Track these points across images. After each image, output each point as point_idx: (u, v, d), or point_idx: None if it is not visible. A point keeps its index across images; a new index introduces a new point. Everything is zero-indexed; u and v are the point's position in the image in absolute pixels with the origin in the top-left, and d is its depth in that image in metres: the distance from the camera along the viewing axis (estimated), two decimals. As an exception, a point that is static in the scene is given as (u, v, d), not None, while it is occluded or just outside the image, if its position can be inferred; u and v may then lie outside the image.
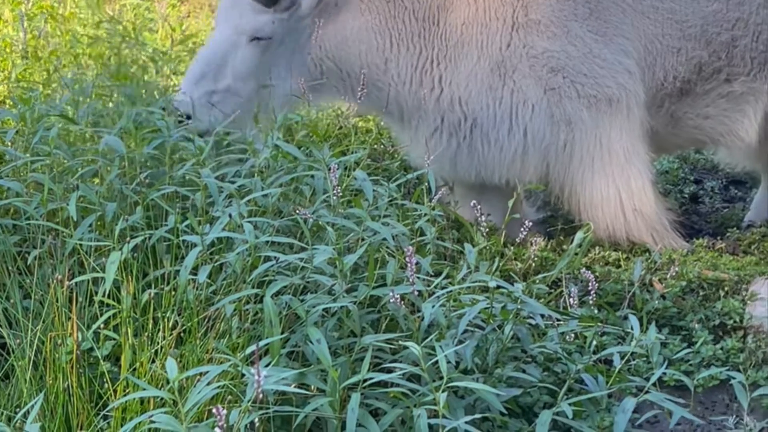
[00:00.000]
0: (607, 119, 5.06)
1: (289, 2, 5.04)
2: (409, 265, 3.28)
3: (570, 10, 5.05)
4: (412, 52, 5.10)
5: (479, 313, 3.59)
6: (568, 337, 3.84)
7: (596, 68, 5.05)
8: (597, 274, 4.69)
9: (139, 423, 2.95)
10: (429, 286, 3.69)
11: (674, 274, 4.39)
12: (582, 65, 5.05)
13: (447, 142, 5.15)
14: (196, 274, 3.59)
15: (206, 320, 3.54)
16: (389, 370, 3.24)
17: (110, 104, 5.20)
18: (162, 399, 2.97)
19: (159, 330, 3.48)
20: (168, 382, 2.92)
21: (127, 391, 3.28)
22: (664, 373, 3.79)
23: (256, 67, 5.03)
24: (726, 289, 4.65)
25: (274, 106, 4.95)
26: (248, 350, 3.26)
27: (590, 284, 3.78)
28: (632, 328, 3.65)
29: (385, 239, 3.86)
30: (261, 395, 2.62)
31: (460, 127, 5.12)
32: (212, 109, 4.95)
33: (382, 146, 6.31)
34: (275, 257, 3.62)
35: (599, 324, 3.92)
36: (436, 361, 3.16)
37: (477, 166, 5.17)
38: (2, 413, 3.32)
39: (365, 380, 3.14)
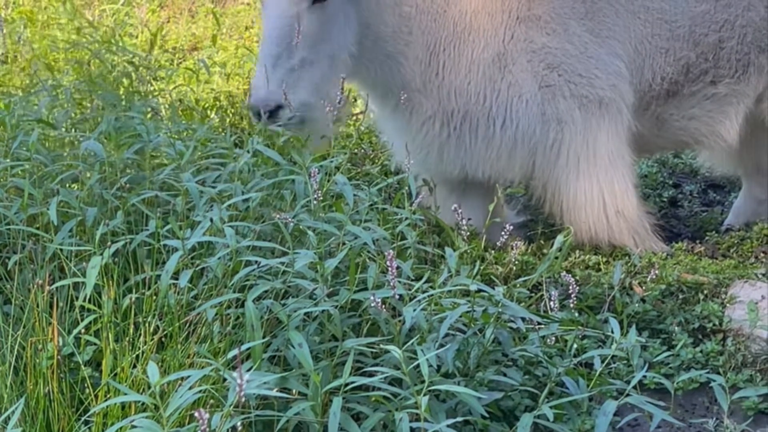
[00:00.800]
0: (597, 121, 5.08)
1: None
2: (390, 269, 3.28)
3: (569, 8, 5.07)
4: (429, 31, 5.04)
5: (460, 316, 3.60)
6: (548, 340, 3.86)
7: (591, 68, 5.07)
8: (577, 277, 4.70)
9: (121, 428, 2.95)
10: (410, 290, 3.70)
11: (654, 277, 4.41)
12: (578, 64, 5.06)
13: (438, 131, 5.13)
14: (177, 279, 3.58)
15: (187, 325, 3.54)
16: (371, 374, 3.24)
17: (88, 109, 5.19)
18: (143, 404, 2.97)
19: (140, 335, 3.47)
20: (149, 387, 2.92)
21: (108, 396, 3.27)
22: (645, 376, 3.80)
23: (322, 31, 4.83)
24: (705, 292, 4.67)
25: (337, 69, 4.78)
26: (230, 355, 3.26)
27: (570, 288, 3.80)
28: (612, 332, 3.66)
29: (365, 243, 3.87)
30: (243, 399, 2.62)
31: (453, 117, 5.11)
32: (296, 87, 4.75)
33: (362, 151, 6.32)
34: (256, 262, 3.62)
35: (580, 327, 3.93)
36: (418, 365, 3.17)
37: (463, 159, 5.16)
38: (-18, 419, 3.31)
39: (347, 384, 3.15)
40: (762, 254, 5.44)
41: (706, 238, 5.63)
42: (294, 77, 4.73)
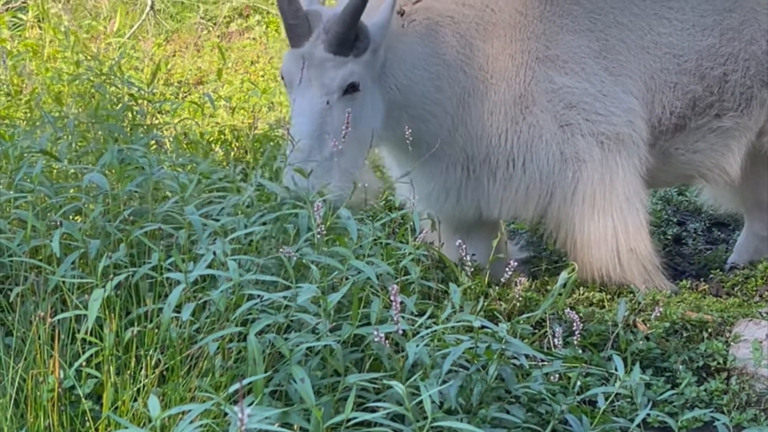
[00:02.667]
0: (615, 158, 5.09)
1: (366, 42, 4.80)
2: (393, 304, 3.27)
3: (585, 47, 5.09)
4: (458, 82, 5.03)
5: (464, 352, 3.59)
6: (552, 377, 3.84)
7: (608, 106, 5.08)
8: (581, 314, 4.68)
9: (121, 462, 2.93)
10: (413, 325, 3.68)
11: (658, 315, 4.40)
12: (596, 102, 5.07)
13: (459, 175, 5.13)
14: (179, 312, 3.57)
15: (189, 358, 3.52)
16: (373, 410, 3.22)
17: (92, 141, 5.19)
18: (144, 438, 2.94)
19: (141, 368, 3.45)
20: (150, 421, 2.90)
21: (109, 429, 3.25)
22: (648, 415, 3.78)
23: (351, 121, 4.72)
24: (709, 330, 4.66)
25: (364, 150, 4.78)
26: (231, 389, 3.25)
27: (575, 324, 3.78)
28: (616, 369, 3.64)
29: (369, 278, 3.85)
30: (244, 434, 2.60)
31: (473, 160, 5.10)
32: (328, 178, 4.69)
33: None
34: (259, 295, 3.61)
35: (583, 364, 3.91)
36: (421, 401, 3.15)
37: (479, 201, 5.16)
38: (-19, 452, 3.29)
39: (349, 420, 3.13)
40: (766, 293, 5.42)
41: (711, 276, 5.61)
42: (326, 168, 4.68)
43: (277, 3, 4.91)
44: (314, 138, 4.71)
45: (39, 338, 3.49)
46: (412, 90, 4.96)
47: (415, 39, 4.97)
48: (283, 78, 4.92)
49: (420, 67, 4.97)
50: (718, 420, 3.56)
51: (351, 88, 4.78)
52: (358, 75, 4.78)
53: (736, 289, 5.45)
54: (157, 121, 6.04)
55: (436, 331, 3.65)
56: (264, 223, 4.17)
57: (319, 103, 4.76)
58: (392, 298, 3.28)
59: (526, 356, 3.80)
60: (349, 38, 4.73)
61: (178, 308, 3.58)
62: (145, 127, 5.60)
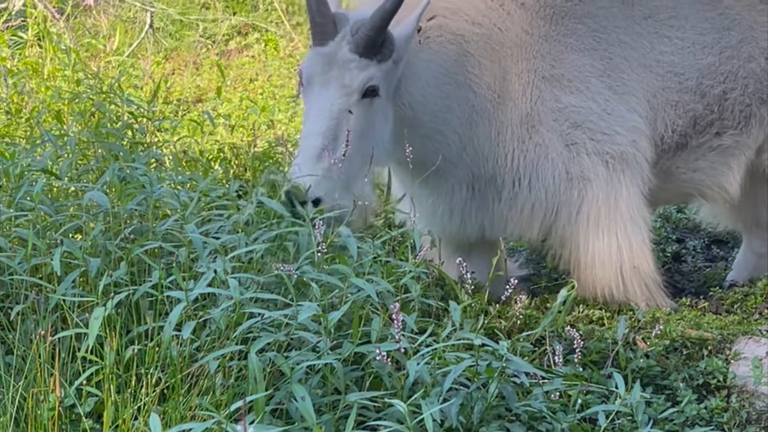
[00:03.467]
0: (619, 177, 5.10)
1: (391, 48, 4.78)
2: (395, 322, 3.28)
3: (589, 65, 5.10)
4: (467, 102, 5.03)
5: (464, 370, 3.59)
6: (552, 395, 3.84)
7: (613, 125, 5.10)
8: (581, 332, 4.68)
9: (122, 481, 2.93)
10: (414, 343, 3.68)
11: (658, 332, 4.40)
12: (601, 121, 5.08)
13: (465, 194, 5.13)
14: (179, 330, 3.57)
15: (190, 377, 3.52)
16: (374, 428, 3.23)
17: (92, 159, 5.20)
18: (145, 456, 2.94)
19: (142, 386, 3.45)
20: (151, 439, 2.90)
21: (109, 448, 3.25)
22: (649, 432, 3.78)
23: (367, 127, 4.76)
24: (709, 348, 4.66)
25: (368, 167, 4.72)
26: (232, 407, 3.25)
27: (575, 342, 3.78)
28: (617, 387, 3.64)
29: (369, 296, 3.86)
30: (246, 453, 2.60)
31: (479, 179, 5.11)
32: (333, 183, 4.63)
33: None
34: (260, 314, 3.61)
35: (584, 382, 3.91)
36: (422, 420, 3.15)
37: (483, 220, 5.16)
38: (-18, 471, 3.29)
39: (350, 438, 3.13)
40: (766, 310, 5.42)
41: (710, 293, 5.62)
42: (336, 170, 4.63)
43: (307, 3, 4.92)
44: (328, 138, 4.67)
45: (39, 357, 3.49)
46: (423, 108, 4.97)
47: (431, 56, 4.98)
48: (300, 78, 4.90)
49: (433, 85, 4.98)
50: (718, 438, 3.56)
51: (371, 92, 4.76)
52: (378, 80, 4.76)
53: (735, 306, 5.45)
54: (156, 139, 6.04)
55: (436, 349, 3.65)
56: (264, 241, 4.17)
57: (338, 103, 4.74)
58: (393, 316, 3.29)
59: (527, 374, 3.80)
60: (377, 42, 4.73)
61: (178, 326, 3.58)
62: (145, 145, 5.60)
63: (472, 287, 4.11)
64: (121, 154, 5.11)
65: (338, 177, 4.62)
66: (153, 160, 5.39)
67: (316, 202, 4.59)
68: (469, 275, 4.05)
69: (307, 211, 4.40)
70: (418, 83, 4.93)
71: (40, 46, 8.14)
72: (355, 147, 4.69)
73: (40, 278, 3.93)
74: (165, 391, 3.51)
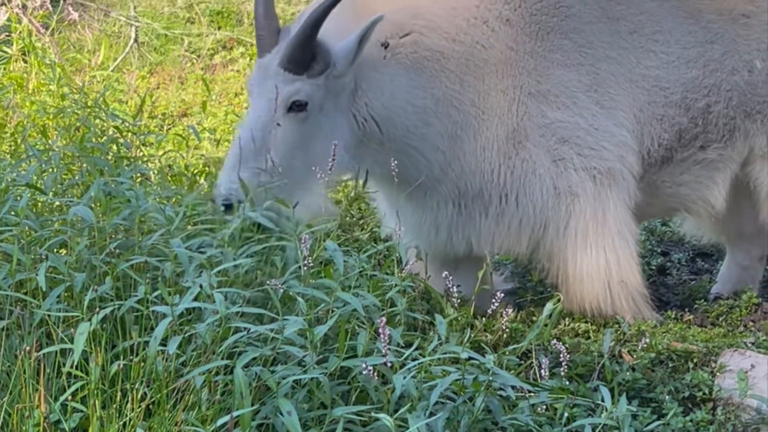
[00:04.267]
0: (607, 192, 5.11)
1: (322, 65, 4.80)
2: (382, 336, 3.28)
3: (576, 80, 5.12)
4: (449, 117, 5.02)
5: (451, 384, 3.59)
6: (539, 408, 3.84)
7: (600, 140, 5.11)
8: (567, 345, 4.68)
9: (108, 497, 2.91)
10: (400, 357, 3.68)
11: (644, 345, 4.41)
12: (588, 137, 5.10)
13: (451, 210, 5.13)
14: (165, 345, 3.56)
15: (175, 392, 3.51)
16: (361, 443, 3.22)
17: (77, 174, 5.18)
18: (131, 472, 2.93)
19: (128, 402, 3.44)
20: (137, 455, 2.89)
21: (94, 464, 3.24)
22: (635, 445, 3.78)
23: (299, 140, 4.78)
24: (695, 360, 4.66)
25: (316, 179, 4.66)
26: (218, 422, 3.24)
27: (561, 356, 3.79)
28: (603, 400, 3.65)
29: (355, 310, 3.86)
30: (232, 468, 2.59)
31: (465, 195, 5.11)
32: (262, 192, 4.63)
33: (351, 217, 6.32)
34: (246, 328, 3.61)
35: (570, 395, 3.92)
36: (408, 433, 3.15)
37: (470, 236, 5.16)
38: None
39: (337, 452, 3.12)
40: (751, 323, 5.44)
41: (695, 306, 5.63)
42: (262, 179, 4.66)
43: (254, 12, 4.97)
44: (251, 147, 4.70)
45: (24, 372, 3.47)
46: (392, 122, 4.96)
47: (399, 71, 4.98)
48: (247, 88, 5.02)
49: (402, 99, 4.97)
50: (704, 450, 3.57)
51: (296, 106, 4.78)
52: (305, 95, 4.77)
53: (720, 319, 5.46)
54: (141, 154, 6.04)
55: (422, 362, 3.65)
56: (251, 256, 4.17)
57: (263, 115, 4.78)
58: (380, 330, 3.29)
59: (513, 387, 3.81)
60: (303, 56, 4.76)
61: (164, 341, 3.58)
62: (130, 159, 5.59)
63: (459, 301, 4.11)
64: (106, 168, 5.10)
65: (274, 187, 4.64)
66: (138, 174, 5.38)
67: (229, 207, 4.64)
68: (455, 289, 4.05)
69: (227, 214, 4.53)
70: (381, 98, 4.94)
71: (25, 61, 8.13)
72: (288, 160, 4.72)
73: (25, 293, 3.92)
74: (151, 406, 3.50)
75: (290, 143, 4.77)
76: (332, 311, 3.86)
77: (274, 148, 4.73)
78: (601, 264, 5.13)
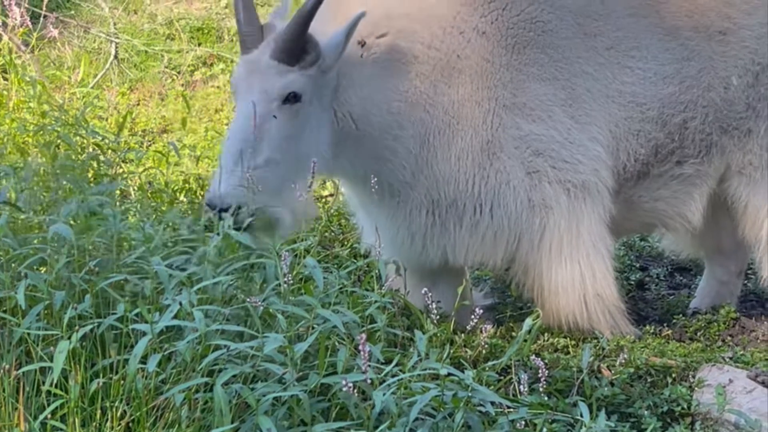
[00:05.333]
0: (581, 205, 5.14)
1: (314, 56, 4.81)
2: (362, 353, 3.28)
3: (552, 95, 5.15)
4: (422, 122, 5.04)
5: (430, 400, 3.59)
6: (518, 424, 3.85)
7: (575, 154, 5.14)
8: (546, 360, 4.69)
9: None
10: (380, 373, 3.69)
11: (623, 360, 4.42)
12: (563, 150, 5.13)
13: (424, 219, 5.14)
14: (145, 363, 3.56)
15: (155, 409, 3.51)
16: (341, 459, 3.22)
17: (59, 192, 5.17)
18: (110, 490, 2.93)
19: (107, 420, 3.44)
20: (117, 473, 2.89)
21: (74, 482, 3.23)
22: (615, 460, 3.79)
23: (292, 132, 4.78)
24: (673, 375, 4.68)
25: (306, 172, 4.66)
26: (198, 440, 3.24)
27: (540, 371, 3.80)
28: (582, 416, 3.66)
29: (335, 327, 3.86)
30: (212, 486, 2.59)
31: (439, 204, 5.12)
32: (258, 188, 4.61)
33: (332, 233, 6.33)
34: (225, 345, 3.61)
35: (549, 411, 3.93)
36: (388, 450, 3.15)
37: (445, 246, 5.17)
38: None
39: (317, 470, 3.13)
40: (729, 338, 5.47)
41: (674, 321, 5.65)
42: (256, 176, 4.64)
43: (234, 10, 4.99)
44: (247, 143, 4.70)
45: (3, 391, 3.47)
46: (368, 121, 4.98)
47: (375, 71, 5.01)
48: (232, 87, 4.98)
49: (377, 99, 5.00)
50: (683, 465, 3.58)
51: (292, 98, 4.79)
52: (300, 86, 4.79)
53: (699, 333, 5.49)
54: (121, 170, 6.03)
55: (402, 379, 3.66)
56: (231, 273, 4.17)
57: (259, 108, 4.76)
58: (360, 347, 3.29)
59: (493, 403, 3.81)
60: (296, 47, 4.78)
61: (143, 359, 3.57)
62: (110, 176, 5.59)
63: (438, 317, 4.12)
64: (86, 186, 5.09)
65: (262, 183, 4.63)
66: (118, 191, 5.37)
67: (226, 210, 4.61)
68: (434, 305, 4.07)
69: (227, 220, 4.46)
70: (359, 95, 4.97)
71: (5, 78, 8.12)
72: (282, 153, 4.73)
73: (4, 311, 3.92)
74: (130, 424, 3.49)
75: (284, 136, 4.77)
76: (312, 328, 3.86)
77: (268, 140, 4.74)
78: (576, 277, 5.15)
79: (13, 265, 4.23)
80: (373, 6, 4.97)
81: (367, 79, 4.99)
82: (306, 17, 4.75)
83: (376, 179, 4.77)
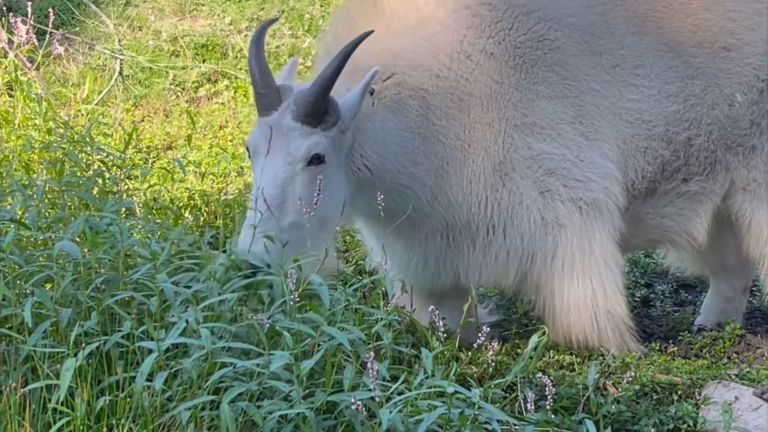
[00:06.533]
0: (593, 223, 5.15)
1: (335, 117, 4.79)
2: (370, 371, 3.28)
3: (561, 113, 5.15)
4: (436, 154, 5.05)
5: (437, 418, 3.59)
6: (525, 442, 3.84)
7: (586, 172, 5.15)
8: (551, 377, 4.69)
9: None
10: (386, 391, 3.69)
11: (629, 378, 4.42)
12: (574, 168, 5.14)
13: (439, 243, 5.14)
14: (151, 381, 3.56)
15: (162, 427, 3.51)
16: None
17: (62, 209, 5.18)
18: None
19: (114, 438, 3.44)
20: (124, 492, 2.89)
21: (80, 500, 3.23)
22: (621, 478, 3.79)
23: (313, 194, 4.66)
24: (679, 392, 4.68)
25: (329, 230, 4.73)
26: (205, 458, 3.24)
27: (547, 389, 3.80)
28: (588, 433, 3.65)
29: (341, 344, 3.86)
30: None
31: (453, 227, 5.13)
32: (283, 250, 4.57)
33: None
34: (232, 363, 3.61)
35: (555, 429, 3.92)
36: (395, 468, 3.15)
37: (458, 268, 5.17)
38: None
39: (323, 488, 3.13)
40: (735, 354, 5.47)
41: (679, 338, 5.65)
42: (283, 237, 4.61)
43: (250, 72, 4.94)
44: (276, 206, 4.67)
45: (10, 408, 3.47)
46: (384, 167, 4.98)
47: (387, 115, 5.00)
48: (248, 148, 4.91)
49: (393, 143, 5.00)
50: (690, 483, 3.57)
51: (316, 160, 4.76)
52: (323, 147, 4.77)
53: (704, 351, 5.48)
54: (126, 187, 6.03)
55: (409, 397, 3.65)
56: (236, 290, 4.17)
57: (283, 171, 4.75)
58: (368, 365, 3.29)
59: (499, 421, 3.81)
60: (319, 109, 4.76)
61: (150, 377, 3.57)
62: (116, 193, 5.59)
63: (444, 334, 4.12)
64: (91, 203, 5.10)
65: (289, 245, 4.60)
66: (123, 208, 5.38)
67: (260, 269, 4.51)
68: (440, 322, 4.07)
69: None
70: (374, 146, 4.96)
71: (11, 95, 8.13)
72: (310, 215, 4.63)
73: (10, 329, 3.92)
74: (137, 442, 3.49)
75: (308, 197, 4.68)
76: (318, 345, 3.86)
77: (293, 202, 4.70)
78: (587, 295, 5.15)
79: (19, 282, 4.23)
80: (375, 48, 4.97)
81: (381, 127, 4.97)
82: (329, 80, 4.73)
83: (386, 212, 4.75)
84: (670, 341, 5.60)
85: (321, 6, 10.24)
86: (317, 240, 4.65)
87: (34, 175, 5.78)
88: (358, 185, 4.96)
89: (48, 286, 4.36)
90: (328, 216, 4.78)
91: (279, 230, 4.62)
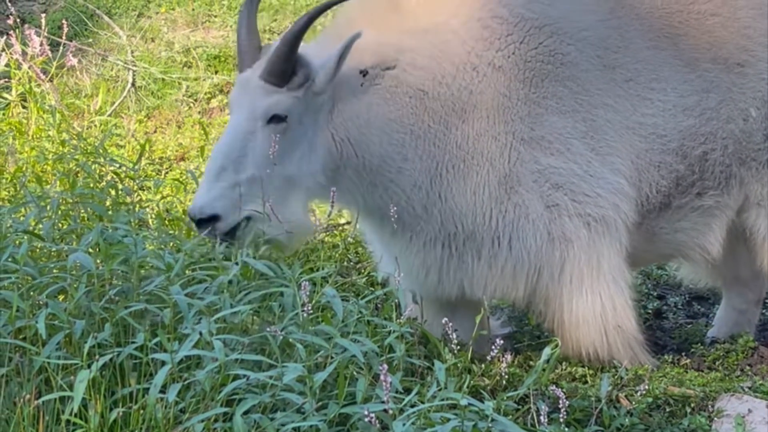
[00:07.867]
0: (601, 238, 5.13)
1: (302, 78, 4.86)
2: (384, 383, 3.28)
3: (571, 127, 5.14)
4: (430, 155, 5.05)
5: (450, 430, 3.59)
6: (537, 455, 3.84)
7: (595, 187, 5.13)
8: (564, 390, 4.68)
9: None
10: (399, 403, 3.69)
11: (642, 390, 4.41)
12: (583, 183, 5.12)
13: (440, 253, 5.15)
14: (164, 392, 3.57)
15: (175, 439, 3.51)
16: (360, 490, 3.22)
17: (75, 220, 5.19)
18: None
19: (127, 449, 3.44)
20: (138, 504, 2.89)
21: None
22: (634, 491, 3.78)
23: (277, 152, 4.78)
24: (692, 405, 4.67)
25: (298, 193, 4.83)
26: (218, 470, 3.24)
27: (560, 401, 3.79)
28: (602, 446, 3.65)
29: (354, 356, 3.87)
30: None
31: (455, 238, 5.12)
32: (237, 203, 4.73)
33: (349, 261, 6.33)
34: (245, 375, 3.61)
35: (568, 441, 3.92)
36: (408, 481, 3.15)
37: (462, 280, 5.17)
38: None
39: (337, 500, 3.12)
40: (748, 367, 5.45)
41: (692, 350, 5.63)
42: (238, 192, 4.73)
43: (237, 29, 5.04)
44: (230, 159, 4.78)
45: (23, 420, 3.48)
46: (368, 149, 4.99)
47: (376, 100, 5.01)
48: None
49: (377, 128, 5.00)
50: (703, 496, 3.56)
51: (276, 119, 4.84)
52: (284, 108, 4.85)
53: (717, 363, 5.47)
54: (139, 198, 6.05)
55: (422, 409, 3.65)
56: (249, 302, 4.17)
57: (242, 127, 4.84)
58: (382, 377, 3.29)
59: (512, 434, 3.80)
60: (283, 69, 4.83)
61: (163, 388, 3.58)
62: (129, 205, 5.61)
63: (457, 346, 4.12)
64: (103, 215, 5.11)
65: (246, 199, 4.72)
66: (136, 220, 5.39)
67: (213, 219, 4.73)
68: (453, 334, 4.06)
69: (207, 231, 4.64)
70: (357, 121, 4.98)
71: (24, 107, 8.16)
72: (265, 172, 4.77)
73: (24, 340, 3.93)
74: (150, 453, 3.50)
75: (267, 155, 4.79)
76: (331, 357, 3.87)
77: (252, 158, 4.80)
78: (597, 309, 5.14)
79: (33, 293, 4.25)
80: (383, 38, 4.99)
81: (366, 107, 4.99)
82: (294, 39, 4.81)
83: (378, 211, 4.80)
84: (683, 353, 5.59)
85: (333, 18, 10.26)
86: (284, 198, 4.80)
87: (48, 187, 5.80)
88: (342, 163, 4.98)
89: (62, 297, 4.37)
90: (297, 176, 4.87)
91: (234, 183, 4.74)
